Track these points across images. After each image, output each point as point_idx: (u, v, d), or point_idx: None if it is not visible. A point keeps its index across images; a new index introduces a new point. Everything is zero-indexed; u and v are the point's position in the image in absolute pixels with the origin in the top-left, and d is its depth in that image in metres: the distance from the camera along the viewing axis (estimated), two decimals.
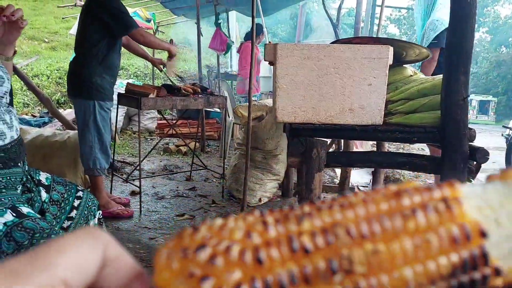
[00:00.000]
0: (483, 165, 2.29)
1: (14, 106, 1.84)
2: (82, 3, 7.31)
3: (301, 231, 0.36)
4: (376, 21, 7.39)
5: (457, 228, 0.36)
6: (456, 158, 2.26)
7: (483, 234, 0.36)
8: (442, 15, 3.81)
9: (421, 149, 7.26)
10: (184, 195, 4.37)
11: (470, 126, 2.27)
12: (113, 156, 4.02)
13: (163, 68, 4.07)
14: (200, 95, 3.93)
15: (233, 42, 9.33)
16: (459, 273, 0.36)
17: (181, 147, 6.42)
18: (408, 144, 7.37)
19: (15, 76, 5.27)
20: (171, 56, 3.78)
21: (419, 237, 0.36)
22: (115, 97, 3.63)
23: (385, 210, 0.37)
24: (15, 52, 1.84)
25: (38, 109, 8.80)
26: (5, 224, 1.44)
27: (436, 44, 3.77)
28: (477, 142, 2.35)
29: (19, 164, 1.72)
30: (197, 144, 6.38)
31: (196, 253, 0.34)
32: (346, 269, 0.35)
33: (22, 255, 0.30)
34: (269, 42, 7.36)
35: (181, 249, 0.35)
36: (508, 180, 0.39)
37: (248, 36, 7.28)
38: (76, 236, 0.33)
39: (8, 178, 1.65)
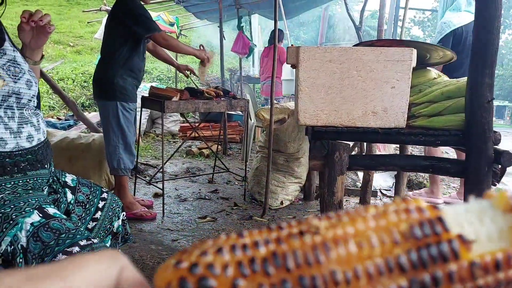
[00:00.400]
0: (508, 169, 2.26)
1: (41, 109, 1.88)
2: (107, 7, 7.43)
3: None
4: (400, 24, 7.32)
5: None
6: (480, 161, 2.23)
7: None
8: (451, 17, 3.76)
9: (445, 152, 7.16)
10: (206, 197, 4.39)
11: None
12: (137, 158, 4.07)
13: (190, 74, 4.10)
14: (222, 98, 3.95)
15: (255, 45, 9.35)
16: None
17: (203, 150, 6.46)
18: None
19: (42, 79, 5.37)
20: (203, 62, 3.79)
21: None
22: (138, 100, 3.67)
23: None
24: (42, 56, 1.88)
25: (64, 112, 8.95)
26: (32, 224, 1.47)
27: None
28: (501, 146, 2.32)
29: (46, 166, 1.76)
30: (219, 147, 6.40)
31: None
32: None
33: (45, 264, 0.33)
34: (292, 45, 7.35)
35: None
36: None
37: (271, 41, 7.30)
38: (97, 255, 0.35)
39: (35, 179, 1.68)
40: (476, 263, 0.33)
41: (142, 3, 3.53)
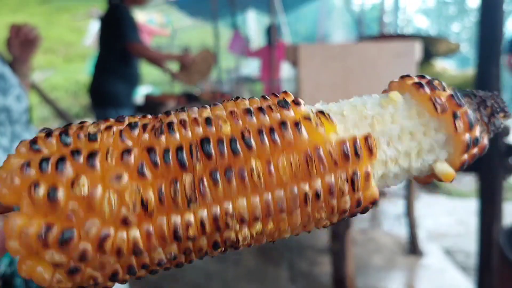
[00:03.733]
0: None
1: (34, 121, 1.83)
2: (96, 13, 7.33)
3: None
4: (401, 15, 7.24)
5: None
6: (491, 154, 2.15)
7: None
8: None
9: None
10: None
11: None
12: None
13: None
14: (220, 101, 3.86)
15: (251, 43, 9.25)
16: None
17: None
18: None
19: (34, 91, 5.29)
20: (183, 67, 3.64)
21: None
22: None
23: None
24: (31, 69, 1.83)
25: (57, 123, 8.86)
26: None
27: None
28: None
29: None
30: None
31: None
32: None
33: None
34: (290, 44, 7.27)
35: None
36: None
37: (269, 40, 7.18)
38: None
39: None
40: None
41: (137, 6, 3.47)
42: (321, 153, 0.41)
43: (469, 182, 5.41)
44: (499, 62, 2.16)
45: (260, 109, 0.43)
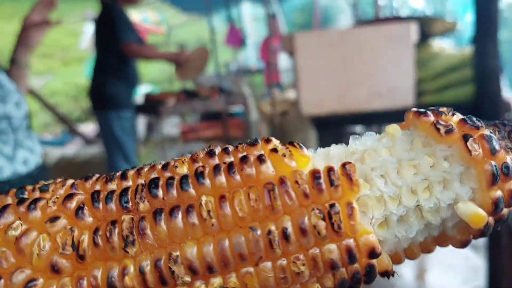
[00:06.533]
0: None
1: (35, 127, 1.81)
2: (91, 16, 7.31)
3: (125, 265, 0.33)
4: None
5: (338, 251, 0.34)
6: None
7: (373, 255, 0.34)
8: None
9: None
10: None
11: None
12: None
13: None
14: (219, 96, 3.86)
15: (247, 37, 9.21)
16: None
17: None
18: None
19: (33, 97, 5.29)
20: (178, 65, 3.63)
21: (286, 268, 0.33)
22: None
23: (245, 223, 0.33)
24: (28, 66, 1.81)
25: (59, 128, 8.85)
26: None
27: None
28: None
29: None
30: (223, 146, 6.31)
31: None
32: None
33: None
34: (285, 34, 7.25)
35: None
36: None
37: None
38: None
39: None
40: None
41: (131, 5, 3.45)
42: (288, 184, 0.34)
43: None
44: (496, 39, 2.15)
45: (225, 149, 0.38)
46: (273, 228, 0.33)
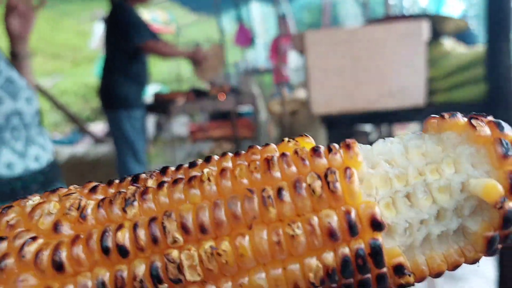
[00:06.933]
0: None
1: (45, 126, 1.82)
2: (100, 15, 7.34)
3: (121, 223, 0.30)
4: None
5: (336, 217, 0.31)
6: None
7: (376, 225, 0.31)
8: None
9: None
10: None
11: None
12: (148, 166, 4.00)
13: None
14: (228, 95, 3.86)
15: (256, 36, 9.23)
16: (336, 278, 0.30)
17: (215, 151, 6.38)
18: None
19: (44, 97, 5.32)
20: (196, 63, 3.67)
21: (280, 231, 0.30)
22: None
23: (243, 187, 0.31)
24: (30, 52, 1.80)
25: (69, 127, 8.91)
26: None
27: None
28: None
29: (57, 185, 1.70)
30: (232, 146, 6.32)
31: None
32: (173, 278, 0.29)
33: None
34: (296, 32, 7.25)
35: None
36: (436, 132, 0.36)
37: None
38: None
39: None
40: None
41: (141, 4, 3.47)
42: (287, 154, 0.34)
43: None
44: (509, 38, 2.14)
45: (237, 153, 0.36)
46: (268, 188, 0.32)
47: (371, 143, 0.38)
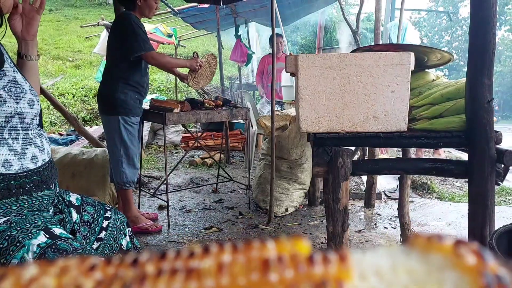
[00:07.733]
0: (511, 168, 2.26)
1: (43, 126, 1.87)
2: (105, 21, 7.46)
3: None
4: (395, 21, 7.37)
5: None
6: (483, 161, 2.23)
7: None
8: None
9: (448, 151, 7.18)
10: (211, 207, 4.39)
11: None
12: (140, 171, 4.07)
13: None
14: (223, 108, 3.96)
15: (254, 52, 9.38)
16: None
17: (206, 160, 6.46)
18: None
19: (42, 96, 5.37)
20: (191, 71, 3.78)
21: None
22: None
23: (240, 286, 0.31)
24: (38, 55, 1.85)
25: (65, 128, 8.96)
26: (38, 245, 1.47)
27: None
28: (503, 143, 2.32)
29: (51, 186, 1.75)
30: (222, 155, 6.40)
31: None
32: None
33: None
34: (290, 53, 7.39)
35: None
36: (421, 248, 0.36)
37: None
38: None
39: (40, 200, 1.68)
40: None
41: (144, 17, 3.55)
42: (285, 256, 0.33)
43: (461, 186, 5.50)
44: (491, 73, 2.24)
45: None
46: None
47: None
